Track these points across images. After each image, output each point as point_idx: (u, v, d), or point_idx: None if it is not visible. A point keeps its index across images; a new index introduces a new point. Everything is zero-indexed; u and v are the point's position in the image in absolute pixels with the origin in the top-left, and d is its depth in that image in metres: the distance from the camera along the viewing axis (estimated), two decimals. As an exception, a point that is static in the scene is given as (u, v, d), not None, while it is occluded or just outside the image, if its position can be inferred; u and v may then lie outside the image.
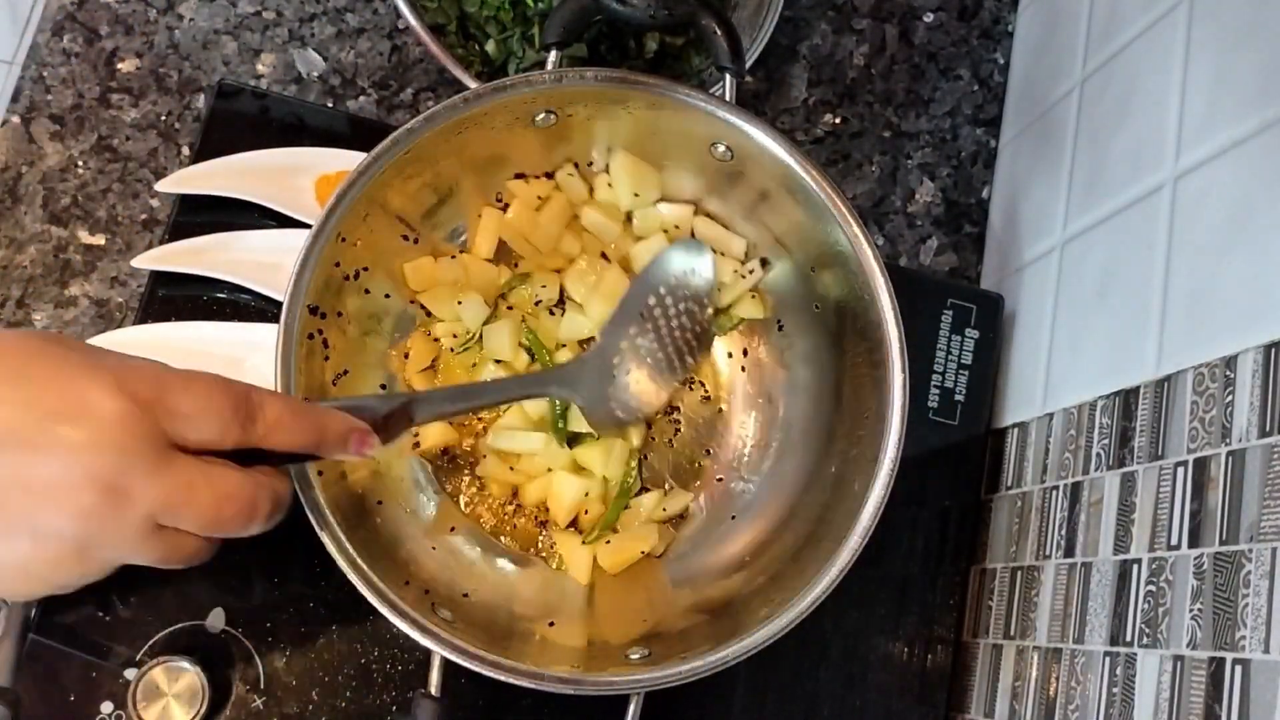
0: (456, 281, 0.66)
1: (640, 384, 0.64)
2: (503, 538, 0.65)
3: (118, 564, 0.45)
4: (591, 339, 0.67)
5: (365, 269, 0.63)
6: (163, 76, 0.76)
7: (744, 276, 0.68)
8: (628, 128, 0.65)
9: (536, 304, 0.67)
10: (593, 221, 0.68)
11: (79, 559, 0.44)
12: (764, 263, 0.68)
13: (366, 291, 0.63)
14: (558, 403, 0.65)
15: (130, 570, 0.64)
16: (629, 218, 0.68)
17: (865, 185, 0.82)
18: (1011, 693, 0.64)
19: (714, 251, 0.67)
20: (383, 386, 0.64)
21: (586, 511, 0.65)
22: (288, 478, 0.50)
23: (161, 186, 0.69)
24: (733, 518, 0.67)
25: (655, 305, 0.65)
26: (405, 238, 0.65)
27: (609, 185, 0.67)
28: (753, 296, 0.69)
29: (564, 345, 0.67)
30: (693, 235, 0.69)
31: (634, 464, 0.67)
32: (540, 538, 0.65)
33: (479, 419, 0.67)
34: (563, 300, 0.68)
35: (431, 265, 0.66)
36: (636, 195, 0.67)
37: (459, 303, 0.65)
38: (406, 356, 0.65)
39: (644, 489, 0.67)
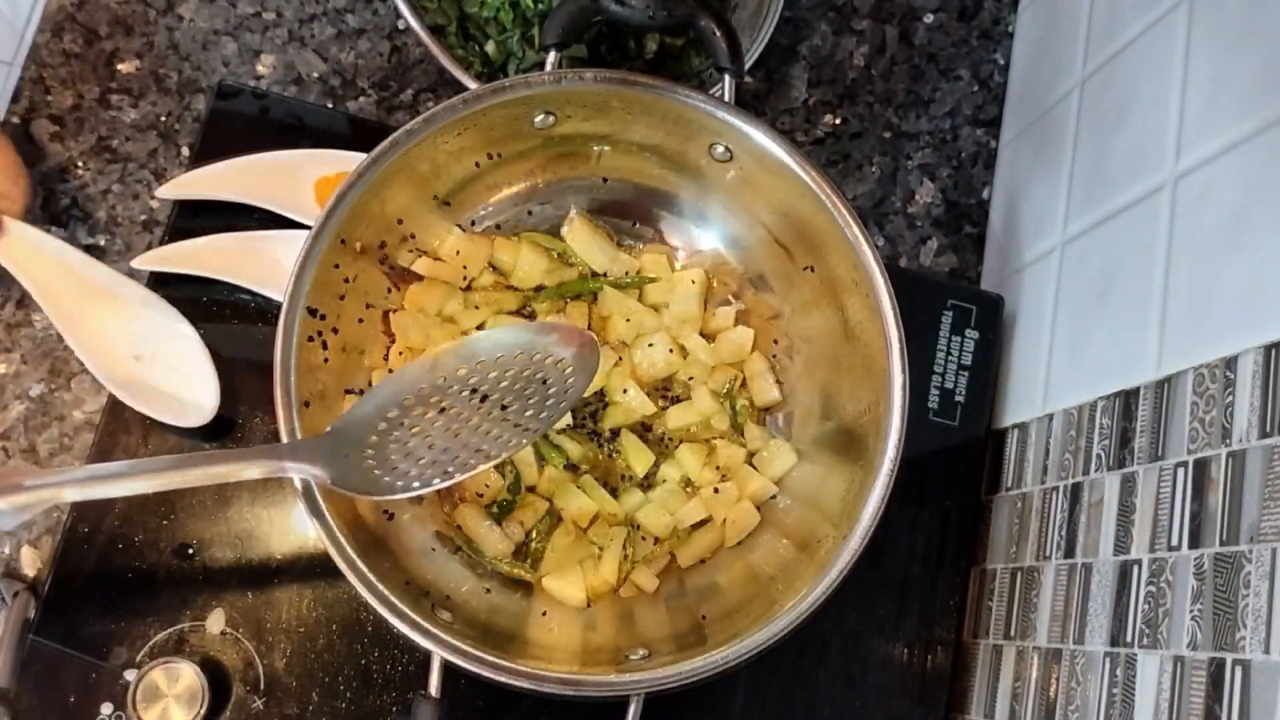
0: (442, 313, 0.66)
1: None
2: (503, 538, 0.65)
3: None
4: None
5: (365, 270, 0.62)
6: (162, 77, 0.76)
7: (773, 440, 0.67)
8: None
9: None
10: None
11: None
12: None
13: (367, 293, 0.63)
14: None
15: (131, 572, 0.64)
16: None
17: (865, 186, 0.82)
18: (1012, 694, 0.64)
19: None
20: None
21: (595, 517, 0.66)
22: None
23: (161, 193, 0.69)
24: (733, 518, 0.67)
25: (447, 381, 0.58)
26: (405, 239, 0.65)
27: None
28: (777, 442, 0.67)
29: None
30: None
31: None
32: (540, 539, 0.65)
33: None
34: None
35: (424, 291, 0.66)
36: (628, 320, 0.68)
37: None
38: (402, 354, 0.65)
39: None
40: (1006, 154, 0.82)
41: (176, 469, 0.52)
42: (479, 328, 0.66)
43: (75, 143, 0.74)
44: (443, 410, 0.57)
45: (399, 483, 0.54)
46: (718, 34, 0.64)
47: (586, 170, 0.68)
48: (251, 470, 0.53)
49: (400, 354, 0.65)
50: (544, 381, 0.57)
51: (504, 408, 0.57)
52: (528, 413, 0.57)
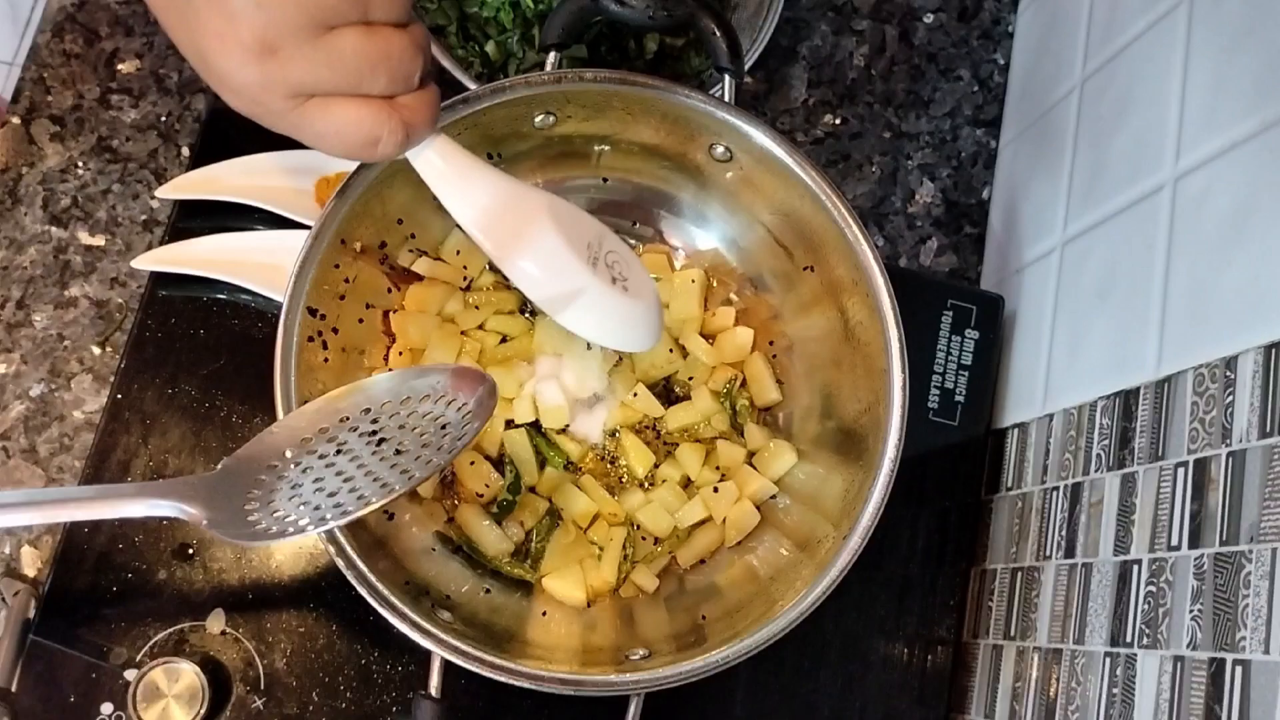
0: (442, 314, 0.66)
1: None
2: (503, 538, 0.65)
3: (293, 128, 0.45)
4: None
5: (365, 270, 0.62)
6: (163, 77, 0.76)
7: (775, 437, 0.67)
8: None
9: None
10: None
11: (256, 105, 0.44)
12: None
13: (367, 293, 0.63)
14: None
15: (130, 570, 0.64)
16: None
17: (865, 186, 0.82)
18: (1012, 693, 0.64)
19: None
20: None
21: (595, 517, 0.66)
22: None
23: (161, 193, 0.69)
24: (733, 518, 0.67)
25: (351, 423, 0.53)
26: (405, 239, 0.65)
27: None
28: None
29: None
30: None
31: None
32: (540, 539, 0.65)
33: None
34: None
35: (424, 291, 0.66)
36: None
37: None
38: (403, 354, 0.65)
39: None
40: (1006, 154, 0.82)
41: (26, 507, 0.46)
42: (479, 328, 0.67)
43: (75, 143, 0.74)
44: (339, 451, 0.52)
45: (273, 528, 0.48)
46: (718, 34, 0.64)
47: (586, 170, 0.68)
48: (113, 509, 0.47)
49: (400, 354, 0.65)
50: (443, 427, 0.53)
51: (399, 453, 0.52)
52: (417, 457, 0.52)
